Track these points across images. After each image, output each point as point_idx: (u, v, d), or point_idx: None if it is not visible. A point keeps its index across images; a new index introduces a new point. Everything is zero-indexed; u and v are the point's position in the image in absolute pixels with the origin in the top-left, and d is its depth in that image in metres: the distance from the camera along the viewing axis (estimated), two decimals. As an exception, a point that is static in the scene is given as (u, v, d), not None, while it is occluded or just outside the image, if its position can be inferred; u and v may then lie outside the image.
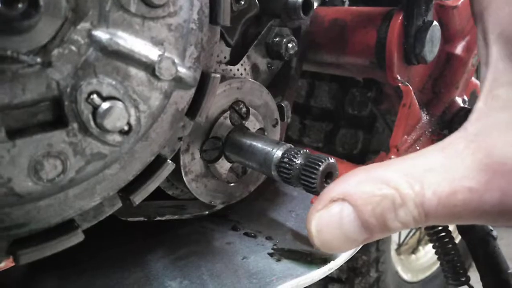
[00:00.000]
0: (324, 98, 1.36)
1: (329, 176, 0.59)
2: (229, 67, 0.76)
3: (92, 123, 0.44)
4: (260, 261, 0.67)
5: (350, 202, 0.41)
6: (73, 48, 0.42)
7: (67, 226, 0.49)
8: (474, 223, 0.41)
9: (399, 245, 2.20)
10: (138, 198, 0.53)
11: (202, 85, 0.55)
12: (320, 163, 0.58)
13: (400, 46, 0.79)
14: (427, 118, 0.89)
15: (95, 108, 0.44)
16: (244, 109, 0.71)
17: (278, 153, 0.63)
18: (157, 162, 0.54)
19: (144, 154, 0.52)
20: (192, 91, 0.54)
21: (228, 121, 0.69)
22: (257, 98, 0.73)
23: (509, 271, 1.00)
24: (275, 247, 0.71)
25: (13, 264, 0.57)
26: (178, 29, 0.49)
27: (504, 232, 2.49)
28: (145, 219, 0.71)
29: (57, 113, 0.44)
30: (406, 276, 1.99)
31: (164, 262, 0.68)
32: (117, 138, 0.47)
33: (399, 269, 1.94)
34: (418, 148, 0.87)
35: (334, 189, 0.43)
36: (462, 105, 0.94)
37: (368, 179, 0.41)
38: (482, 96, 0.42)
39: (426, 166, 0.40)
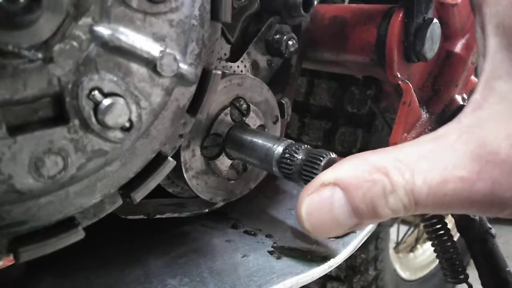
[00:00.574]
0: (323, 96, 1.36)
1: (331, 172, 0.59)
2: (229, 64, 0.76)
3: (93, 119, 0.44)
4: (260, 259, 0.67)
5: (341, 186, 0.41)
6: (75, 43, 0.42)
7: (68, 223, 0.49)
8: (465, 212, 0.41)
9: (398, 243, 2.20)
10: (139, 195, 0.53)
11: (203, 82, 0.55)
12: (321, 158, 0.58)
13: (400, 43, 0.79)
14: (427, 116, 0.89)
15: (97, 104, 0.44)
16: (244, 106, 0.71)
17: (279, 149, 0.63)
18: (158, 159, 0.54)
19: (145, 151, 0.52)
20: (193, 88, 0.54)
21: (228, 118, 0.69)
22: (257, 95, 0.73)
23: (508, 269, 1.01)
24: (275, 245, 0.71)
25: (11, 262, 0.56)
26: (180, 25, 0.49)
27: (503, 230, 2.51)
28: (145, 217, 0.71)
29: (58, 110, 0.43)
30: (405, 274, 1.99)
31: (164, 260, 0.67)
32: (119, 134, 0.47)
33: (398, 267, 1.94)
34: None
35: (326, 174, 0.43)
36: (461, 103, 0.94)
37: (360, 165, 0.42)
38: (479, 88, 0.42)
39: (419, 154, 0.40)
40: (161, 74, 0.48)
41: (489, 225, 1.02)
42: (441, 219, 0.95)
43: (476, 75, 1.11)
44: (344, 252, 0.69)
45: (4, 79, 0.39)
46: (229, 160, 0.71)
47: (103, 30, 0.43)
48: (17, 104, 0.41)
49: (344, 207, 0.41)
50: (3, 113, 0.40)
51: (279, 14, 0.76)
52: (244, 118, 0.71)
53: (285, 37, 0.78)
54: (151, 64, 0.47)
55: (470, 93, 0.96)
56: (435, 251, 0.99)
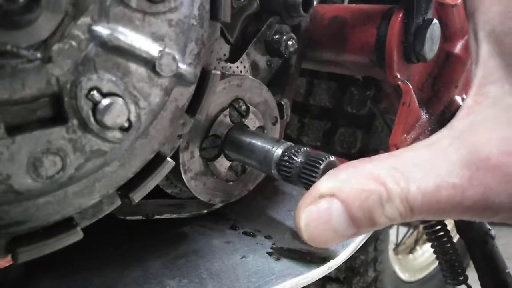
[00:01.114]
0: (323, 97, 1.36)
1: (330, 174, 0.59)
2: (229, 64, 0.76)
3: (92, 119, 0.44)
4: (259, 260, 0.67)
5: (339, 198, 0.42)
6: (73, 43, 0.42)
7: (66, 224, 0.49)
8: (460, 218, 0.42)
9: (397, 245, 2.20)
10: (137, 196, 0.53)
11: (202, 82, 0.55)
12: (321, 161, 0.58)
13: (400, 44, 0.79)
14: (427, 116, 0.89)
15: (95, 104, 0.44)
16: (243, 107, 0.71)
17: (278, 151, 0.62)
18: (157, 160, 0.54)
19: (143, 152, 0.52)
20: (192, 88, 0.54)
21: (227, 119, 0.69)
22: (256, 96, 0.72)
23: (507, 271, 1.01)
24: (274, 246, 0.71)
25: (9, 263, 0.56)
26: (179, 24, 0.48)
27: (502, 231, 2.51)
28: (144, 218, 0.71)
29: (56, 109, 0.43)
30: (404, 276, 1.99)
31: (163, 261, 0.67)
32: (117, 135, 0.46)
33: (397, 268, 1.94)
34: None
35: (323, 184, 0.43)
36: (461, 104, 0.94)
37: (357, 175, 0.42)
38: (471, 93, 0.42)
39: (413, 161, 0.41)
40: (160, 74, 0.47)
41: (489, 227, 1.02)
42: (440, 221, 0.95)
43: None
44: (344, 253, 0.69)
45: (3, 79, 0.39)
46: (228, 161, 0.71)
47: (102, 29, 0.43)
48: (15, 104, 0.41)
49: (342, 217, 0.42)
50: (2, 113, 0.40)
51: (279, 14, 0.76)
52: (243, 120, 0.71)
53: (284, 37, 0.78)
54: (150, 64, 0.46)
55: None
56: (434, 252, 0.98)
